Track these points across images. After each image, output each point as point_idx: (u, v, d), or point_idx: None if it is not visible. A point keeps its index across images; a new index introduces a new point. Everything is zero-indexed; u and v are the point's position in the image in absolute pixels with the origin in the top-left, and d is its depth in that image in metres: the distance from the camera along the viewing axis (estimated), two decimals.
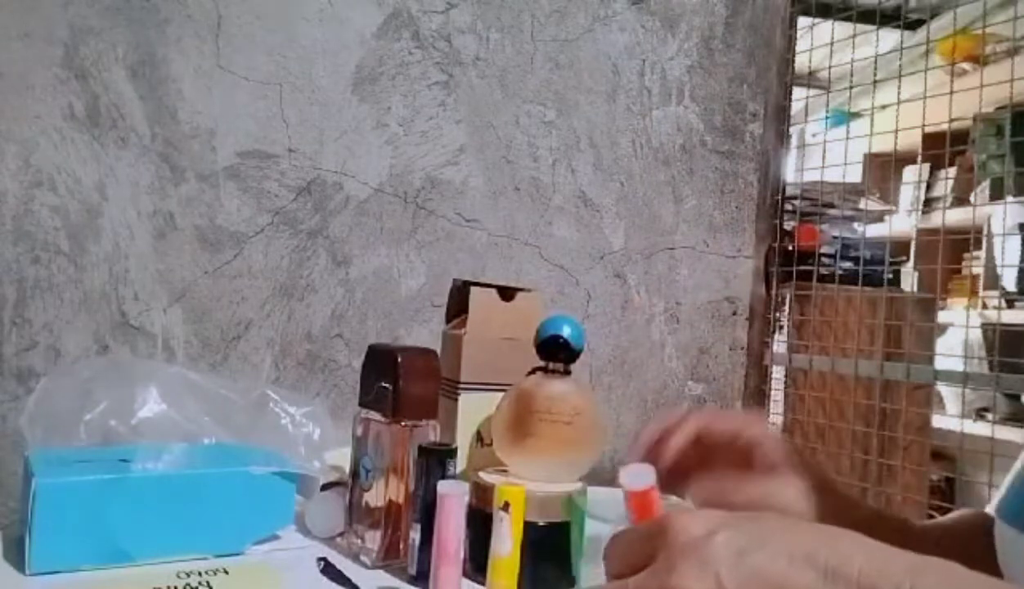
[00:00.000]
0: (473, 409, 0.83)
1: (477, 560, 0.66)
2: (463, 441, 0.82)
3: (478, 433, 0.84)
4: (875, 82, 1.41)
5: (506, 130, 1.29)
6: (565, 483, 0.71)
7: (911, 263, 1.96)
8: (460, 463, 0.76)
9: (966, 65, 1.75)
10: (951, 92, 1.25)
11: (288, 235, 1.18)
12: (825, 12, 1.47)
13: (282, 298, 1.18)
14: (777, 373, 1.47)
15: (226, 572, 0.65)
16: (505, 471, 0.73)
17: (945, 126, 1.33)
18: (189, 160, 1.14)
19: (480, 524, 0.65)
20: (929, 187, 2.40)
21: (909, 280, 1.78)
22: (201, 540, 0.68)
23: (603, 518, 0.59)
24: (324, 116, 1.20)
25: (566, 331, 0.73)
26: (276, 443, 0.78)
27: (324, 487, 0.80)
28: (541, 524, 0.67)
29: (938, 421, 1.64)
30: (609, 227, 1.34)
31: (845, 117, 1.70)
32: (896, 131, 1.33)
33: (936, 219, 1.88)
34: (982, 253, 2.13)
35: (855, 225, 1.66)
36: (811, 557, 0.34)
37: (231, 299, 1.16)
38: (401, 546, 0.70)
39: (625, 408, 1.34)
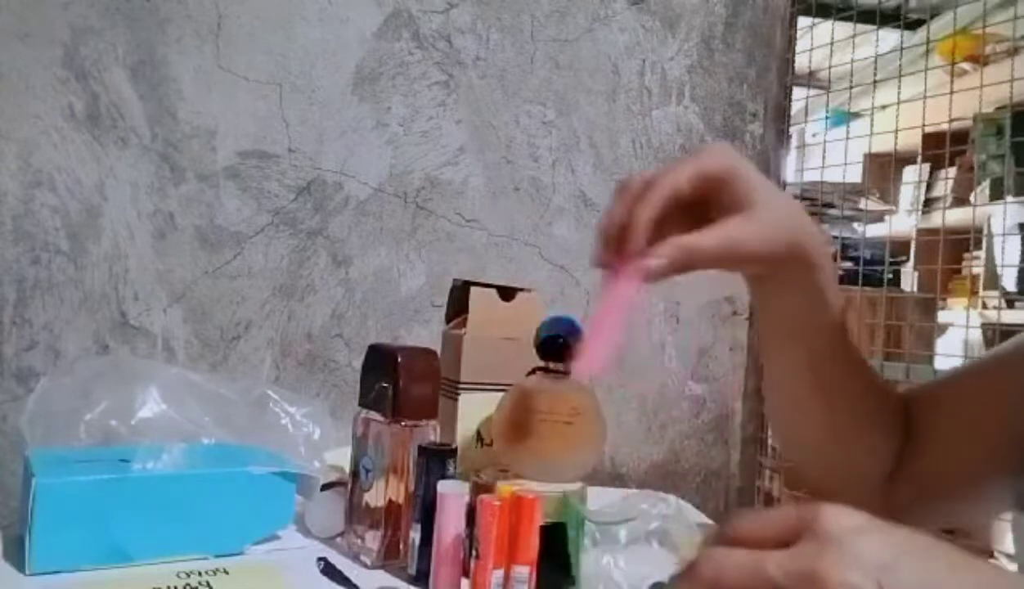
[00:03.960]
0: (473, 409, 0.83)
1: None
2: (463, 441, 0.82)
3: (478, 433, 0.84)
4: (875, 82, 1.41)
5: (506, 130, 1.29)
6: (565, 483, 0.71)
7: (911, 263, 1.96)
8: (460, 463, 0.76)
9: (966, 65, 1.75)
10: (951, 92, 1.25)
11: (288, 235, 1.18)
12: (825, 12, 1.47)
13: (282, 298, 1.18)
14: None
15: (226, 572, 0.65)
16: (505, 471, 0.73)
17: (945, 126, 1.33)
18: (189, 160, 1.14)
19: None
20: (929, 187, 2.40)
21: (909, 280, 1.78)
22: (201, 540, 0.68)
23: (602, 518, 0.59)
24: (324, 116, 1.20)
25: (566, 331, 0.73)
26: (276, 443, 0.78)
27: (324, 487, 0.80)
28: (541, 524, 0.66)
29: None
30: None
31: (845, 117, 1.70)
32: (896, 131, 1.33)
33: (936, 219, 1.88)
34: (982, 253, 2.13)
35: (855, 225, 1.66)
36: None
37: (231, 299, 1.16)
38: (401, 546, 0.70)
39: (625, 408, 1.34)
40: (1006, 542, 1.62)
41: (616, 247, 0.55)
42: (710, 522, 0.95)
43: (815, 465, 0.68)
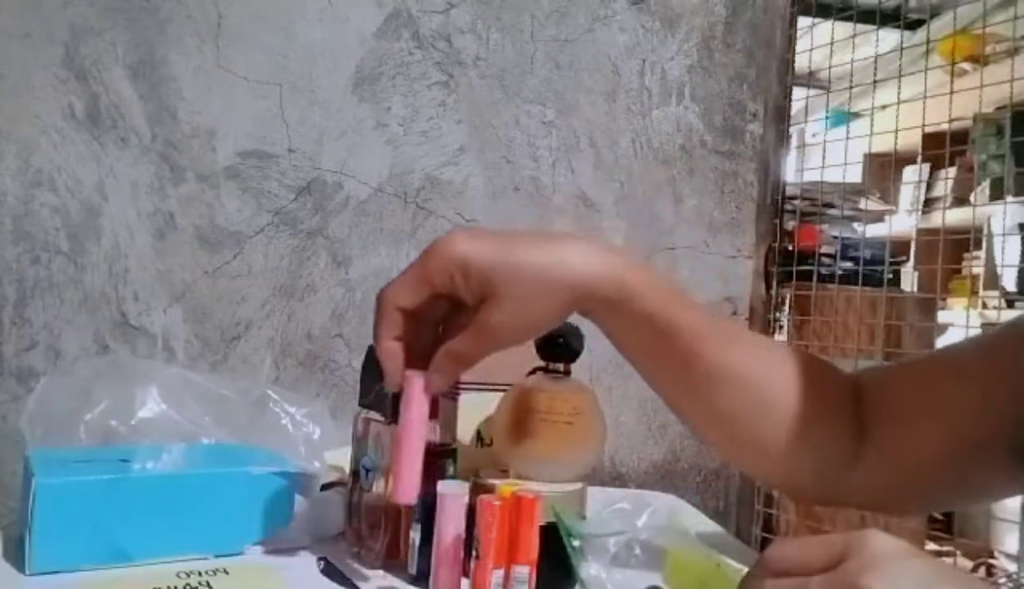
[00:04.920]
0: (473, 409, 0.83)
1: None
2: (463, 441, 0.82)
3: (478, 433, 0.84)
4: (875, 82, 1.41)
5: (506, 130, 1.29)
6: (565, 483, 0.71)
7: (911, 263, 1.96)
8: (460, 463, 0.76)
9: (966, 65, 1.75)
10: (951, 92, 1.25)
11: (288, 235, 1.18)
12: (825, 12, 1.47)
13: (282, 298, 1.18)
14: None
15: (226, 572, 0.65)
16: (505, 471, 0.73)
17: (945, 126, 1.33)
18: (189, 160, 1.14)
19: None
20: (929, 187, 2.41)
21: (909, 280, 1.78)
22: (201, 540, 0.68)
23: (591, 530, 0.59)
24: (324, 116, 1.20)
25: (566, 331, 0.73)
26: (276, 443, 0.78)
27: (324, 487, 0.80)
28: (540, 524, 0.66)
29: None
30: (609, 227, 1.34)
31: (845, 117, 1.70)
32: (896, 131, 1.33)
33: (936, 219, 1.88)
34: (982, 253, 2.13)
35: (855, 225, 1.66)
36: None
37: (231, 299, 1.16)
38: (401, 546, 0.70)
39: (625, 408, 1.34)
40: (1006, 542, 1.62)
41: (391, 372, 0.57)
42: (709, 522, 0.95)
43: (763, 470, 0.67)
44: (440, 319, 0.59)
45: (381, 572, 0.69)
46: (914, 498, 0.65)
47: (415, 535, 0.66)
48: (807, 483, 0.64)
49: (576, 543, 0.57)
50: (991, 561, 2.02)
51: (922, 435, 0.61)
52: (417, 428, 0.58)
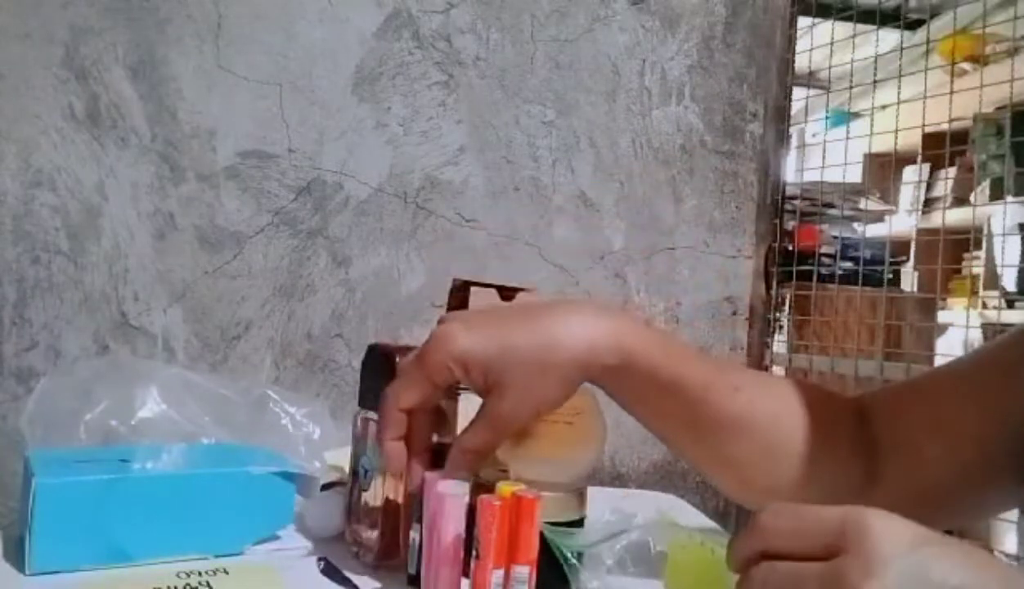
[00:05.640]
0: (473, 409, 0.83)
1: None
2: None
3: None
4: (875, 82, 1.41)
5: (506, 130, 1.29)
6: (565, 483, 0.71)
7: (911, 263, 1.96)
8: None
9: (966, 65, 1.75)
10: (951, 92, 1.25)
11: (288, 235, 1.18)
12: (825, 12, 1.47)
13: (282, 298, 1.18)
14: (777, 373, 1.47)
15: (226, 572, 0.65)
16: (505, 471, 0.73)
17: (945, 126, 1.33)
18: (189, 160, 1.14)
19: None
20: (929, 187, 2.41)
21: (909, 280, 1.78)
22: (201, 540, 0.68)
23: (585, 542, 0.59)
24: (324, 116, 1.20)
25: None
26: (276, 443, 0.78)
27: (324, 487, 0.80)
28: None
29: None
30: (609, 227, 1.34)
31: (845, 117, 1.70)
32: (896, 131, 1.33)
33: (936, 219, 1.88)
34: (982, 253, 2.13)
35: (855, 225, 1.66)
36: None
37: (231, 299, 1.16)
38: (401, 546, 0.69)
39: None
40: (1006, 542, 1.62)
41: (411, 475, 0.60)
42: (709, 522, 0.95)
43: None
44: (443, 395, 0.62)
45: (381, 572, 0.69)
46: (928, 519, 0.65)
47: (415, 535, 0.66)
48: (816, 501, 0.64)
49: (572, 560, 0.57)
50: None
51: (929, 458, 0.60)
52: (452, 536, 0.59)
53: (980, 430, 0.58)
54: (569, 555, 0.57)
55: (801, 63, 1.48)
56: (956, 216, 2.09)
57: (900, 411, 0.64)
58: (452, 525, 0.61)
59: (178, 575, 0.63)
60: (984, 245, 2.11)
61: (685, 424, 0.61)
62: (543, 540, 0.60)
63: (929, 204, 2.33)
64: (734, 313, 1.42)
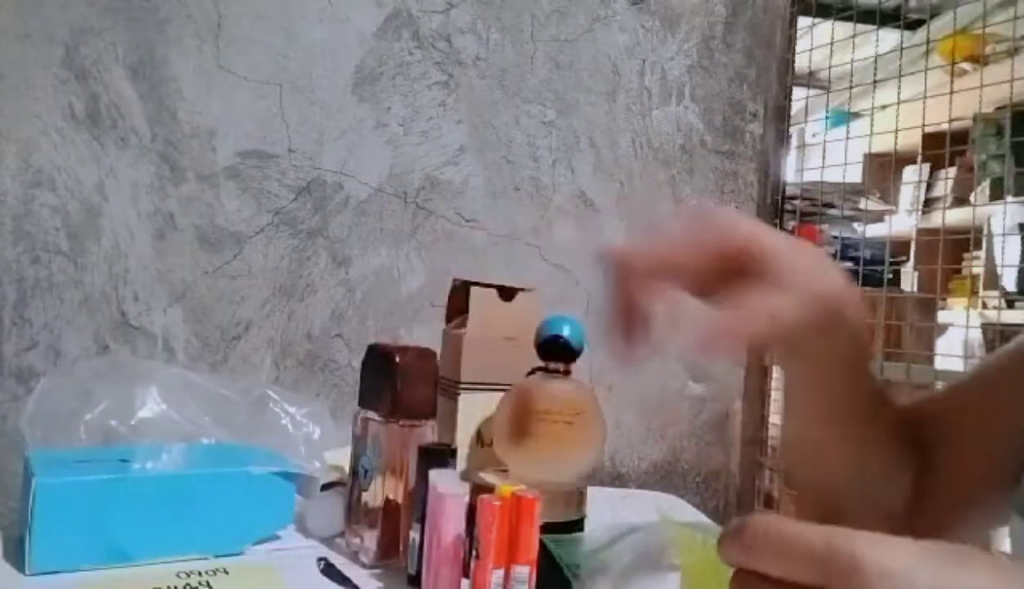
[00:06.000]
0: (473, 409, 0.83)
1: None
2: (463, 441, 0.82)
3: (478, 433, 0.84)
4: (875, 82, 1.41)
5: (506, 130, 1.29)
6: (565, 483, 0.71)
7: (911, 263, 1.96)
8: (460, 463, 0.76)
9: (966, 65, 1.75)
10: (951, 92, 1.25)
11: (288, 235, 1.18)
12: (825, 12, 1.47)
13: (282, 298, 1.18)
14: (777, 373, 1.47)
15: (226, 572, 0.65)
16: (505, 471, 0.73)
17: (945, 126, 1.33)
18: (189, 160, 1.14)
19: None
20: (929, 187, 2.40)
21: (909, 280, 1.78)
22: (201, 540, 0.68)
23: (587, 548, 0.59)
24: (324, 116, 1.20)
25: (566, 331, 0.73)
26: (276, 443, 0.78)
27: (324, 487, 0.80)
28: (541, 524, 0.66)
29: None
30: (609, 227, 1.34)
31: (845, 117, 1.70)
32: (896, 131, 1.33)
33: (936, 219, 1.88)
34: (982, 253, 2.13)
35: (855, 225, 1.66)
36: None
37: (231, 299, 1.16)
38: (400, 546, 0.70)
39: (625, 408, 1.34)
40: (1006, 543, 1.61)
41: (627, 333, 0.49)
42: (709, 522, 0.95)
43: (835, 498, 0.64)
44: None
45: (381, 572, 0.69)
46: (965, 528, 0.64)
47: (415, 535, 0.66)
48: (863, 513, 0.63)
49: (576, 571, 0.57)
50: None
51: (963, 465, 0.60)
52: (452, 536, 0.59)
53: (997, 433, 0.57)
54: (572, 567, 0.56)
55: (801, 63, 1.48)
56: (956, 216, 2.09)
57: (941, 417, 0.63)
58: (452, 525, 0.61)
59: (178, 575, 0.63)
60: (984, 245, 2.11)
61: (843, 399, 0.57)
62: (544, 548, 0.60)
63: (929, 204, 2.33)
64: None
